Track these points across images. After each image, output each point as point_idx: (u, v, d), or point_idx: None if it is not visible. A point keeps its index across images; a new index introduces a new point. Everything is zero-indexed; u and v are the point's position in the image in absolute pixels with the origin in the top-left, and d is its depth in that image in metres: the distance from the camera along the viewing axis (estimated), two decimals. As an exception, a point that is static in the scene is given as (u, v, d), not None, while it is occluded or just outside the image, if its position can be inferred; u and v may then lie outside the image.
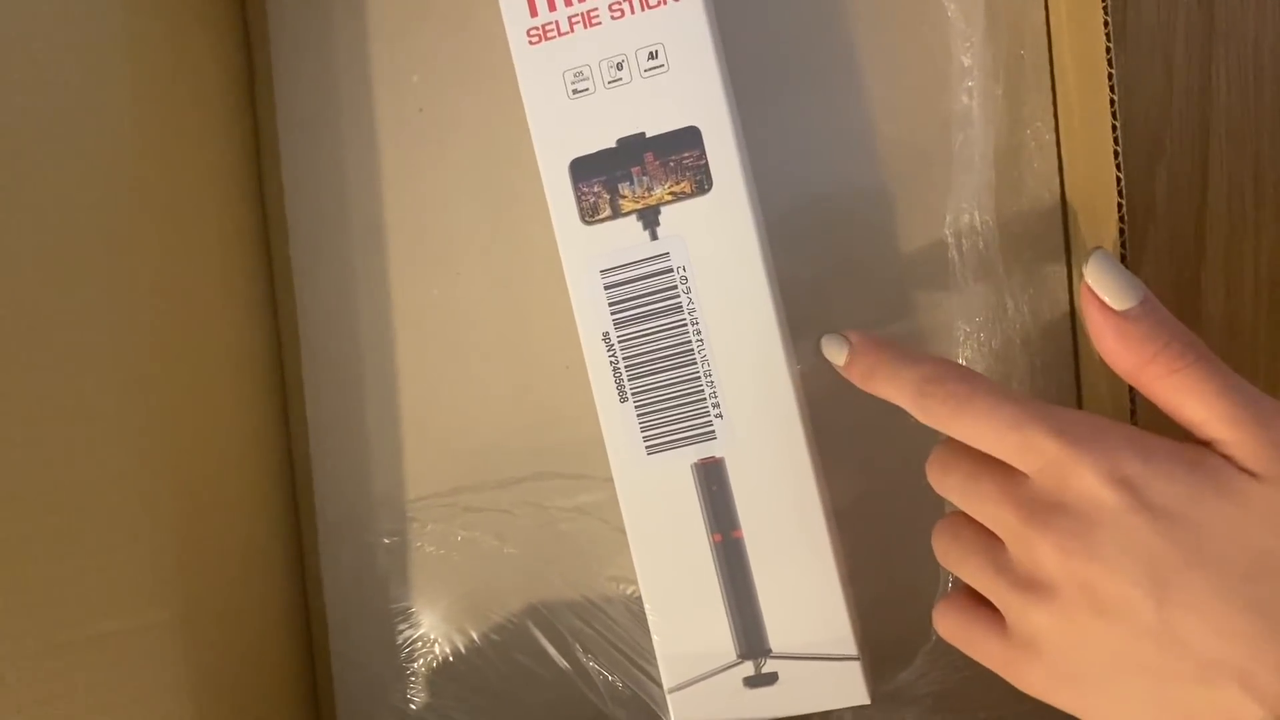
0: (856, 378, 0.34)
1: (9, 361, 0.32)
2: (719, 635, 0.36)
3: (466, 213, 0.42)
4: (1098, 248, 0.31)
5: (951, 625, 0.32)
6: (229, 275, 0.43)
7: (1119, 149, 0.35)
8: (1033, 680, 0.30)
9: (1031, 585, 0.29)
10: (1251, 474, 0.27)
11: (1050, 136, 0.38)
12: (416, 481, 0.43)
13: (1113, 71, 0.34)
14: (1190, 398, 0.28)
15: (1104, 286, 0.30)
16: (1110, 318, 0.30)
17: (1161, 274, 0.40)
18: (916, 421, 0.38)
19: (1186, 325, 0.29)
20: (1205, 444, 0.28)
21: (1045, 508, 0.29)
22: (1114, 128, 0.34)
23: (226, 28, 0.44)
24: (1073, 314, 0.38)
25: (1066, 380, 0.38)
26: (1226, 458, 0.28)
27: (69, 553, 0.34)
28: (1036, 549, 0.29)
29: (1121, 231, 0.34)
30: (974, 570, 0.31)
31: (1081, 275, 0.30)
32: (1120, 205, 0.35)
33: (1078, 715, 0.29)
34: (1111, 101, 0.35)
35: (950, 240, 0.38)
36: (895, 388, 0.32)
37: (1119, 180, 0.35)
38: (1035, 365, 0.38)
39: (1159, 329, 0.29)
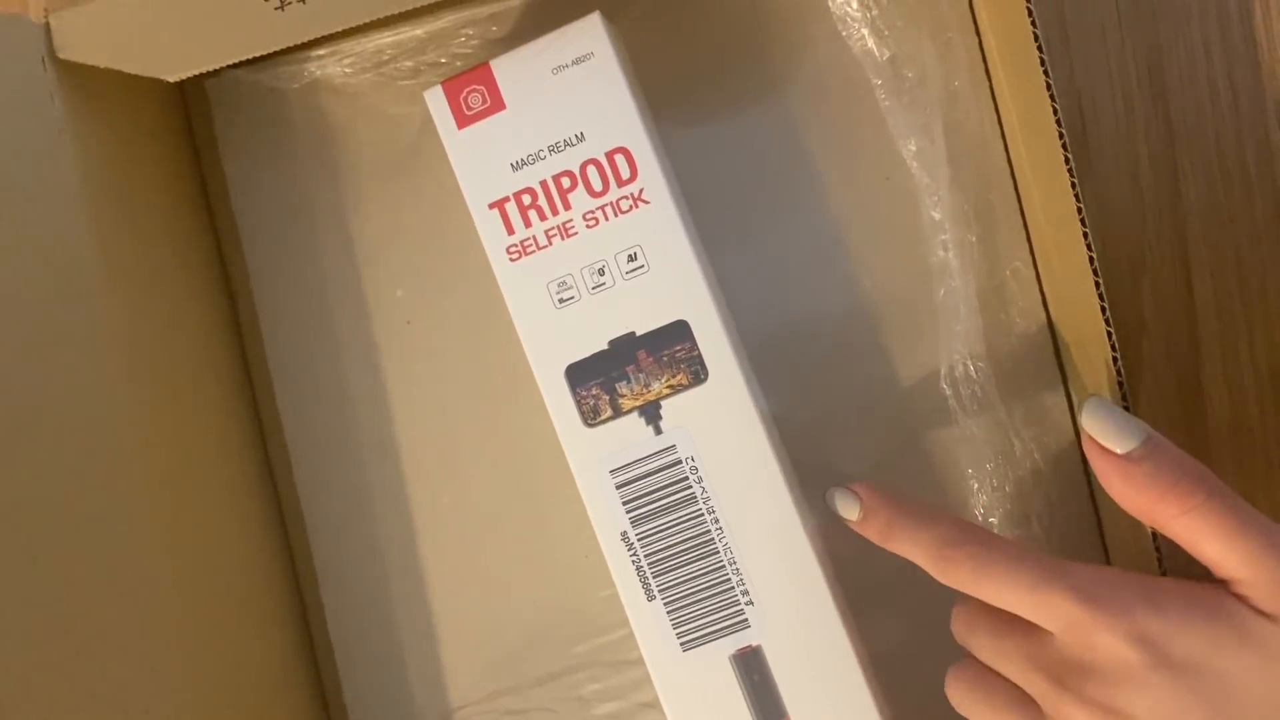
0: (873, 535, 0.34)
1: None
2: (780, 826, 0.35)
3: (467, 417, 0.42)
4: (1092, 395, 0.31)
5: None
6: (239, 507, 0.43)
7: (1097, 271, 0.35)
8: None
9: None
10: (1269, 616, 0.27)
11: (1029, 272, 0.38)
12: (455, 692, 0.42)
13: (1078, 192, 0.34)
14: (1204, 537, 0.28)
15: (1103, 432, 0.30)
16: (1115, 462, 0.30)
17: (1162, 384, 0.40)
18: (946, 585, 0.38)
19: (1194, 431, 0.29)
20: (1223, 582, 0.28)
21: (1073, 671, 0.29)
22: (1089, 252, 0.35)
23: (206, 275, 0.44)
24: (1079, 443, 0.38)
25: (1084, 511, 0.38)
26: (1243, 598, 0.28)
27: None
28: (1074, 713, 0.29)
29: (1113, 349, 0.35)
30: None
31: (1080, 415, 0.31)
32: (1107, 323, 0.35)
33: None
34: (1082, 223, 0.35)
35: (947, 390, 0.38)
36: (913, 547, 0.33)
37: (1102, 302, 0.35)
38: (1051, 500, 0.38)
39: (1165, 468, 0.29)
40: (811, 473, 0.37)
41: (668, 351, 0.36)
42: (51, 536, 0.33)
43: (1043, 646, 0.30)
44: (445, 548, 0.42)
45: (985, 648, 0.32)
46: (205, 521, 0.40)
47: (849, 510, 0.34)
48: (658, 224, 0.36)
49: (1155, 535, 0.35)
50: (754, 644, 0.35)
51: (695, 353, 0.36)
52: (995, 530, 0.38)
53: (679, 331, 0.36)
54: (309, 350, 0.43)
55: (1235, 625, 0.27)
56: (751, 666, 0.36)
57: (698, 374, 0.36)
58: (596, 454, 0.36)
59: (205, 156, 0.44)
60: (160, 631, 0.37)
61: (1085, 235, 0.35)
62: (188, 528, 0.39)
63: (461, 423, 0.42)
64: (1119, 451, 0.30)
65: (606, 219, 0.36)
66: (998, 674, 0.32)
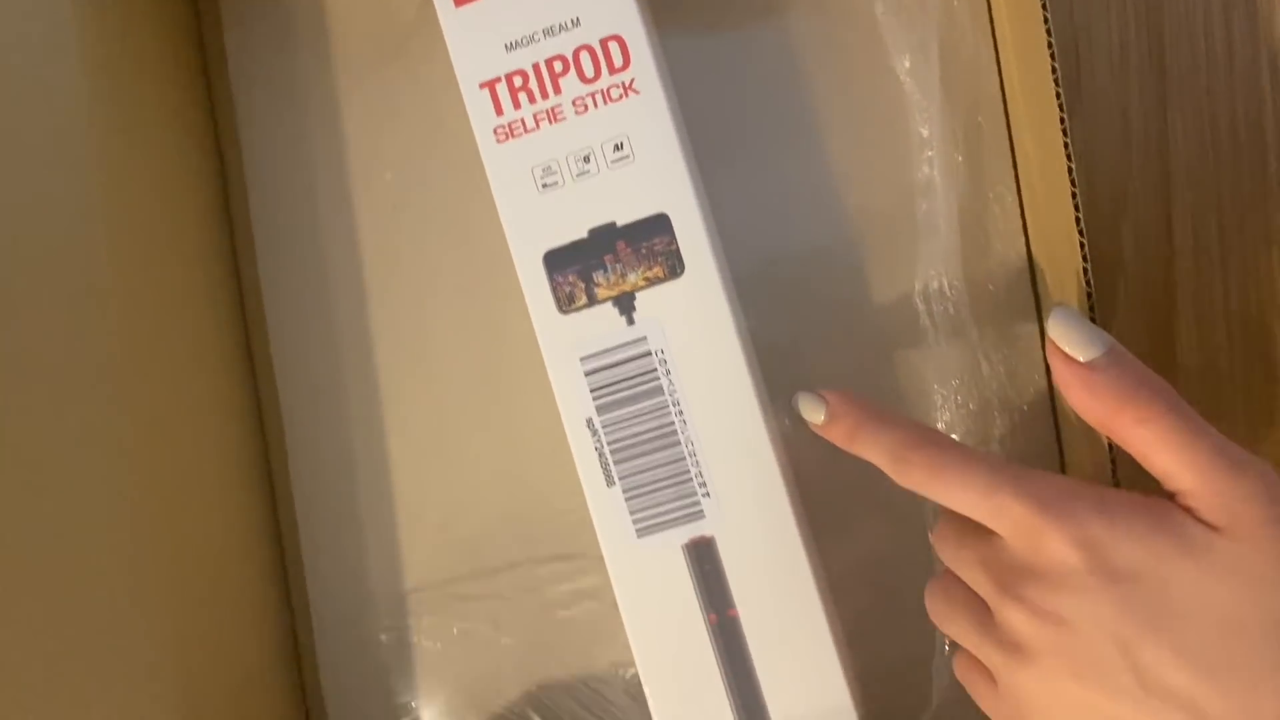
0: (838, 438, 0.34)
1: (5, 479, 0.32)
2: (719, 713, 0.36)
3: (447, 306, 0.42)
4: (1059, 303, 0.32)
5: (961, 671, 0.33)
6: (213, 381, 0.43)
7: (1078, 206, 0.35)
8: None
9: (1012, 648, 0.30)
10: (1214, 528, 0.28)
11: (1013, 198, 0.39)
12: (410, 573, 0.43)
13: (1065, 126, 0.35)
14: (1158, 448, 0.29)
15: (1067, 339, 0.30)
16: (1077, 370, 0.30)
17: (1135, 325, 0.41)
18: (903, 490, 0.38)
19: (1163, 374, 0.30)
20: (1172, 495, 0.29)
21: (1018, 573, 0.29)
22: (1072, 185, 0.35)
23: (198, 134, 0.44)
24: (1048, 370, 0.38)
25: (1046, 437, 0.38)
26: (1190, 509, 0.28)
27: (61, 655, 0.34)
28: (1012, 614, 0.29)
29: (1088, 284, 0.35)
30: (961, 631, 0.32)
31: (1047, 322, 0.31)
32: (1084, 258, 0.35)
33: None
34: (1068, 156, 0.35)
35: (921, 306, 0.38)
36: (874, 449, 0.33)
37: (1081, 236, 0.35)
38: (1014, 423, 0.38)
39: (1126, 378, 0.29)
40: (780, 384, 0.37)
41: (646, 244, 0.36)
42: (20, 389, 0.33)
43: (994, 550, 0.30)
44: (414, 432, 0.43)
45: (949, 555, 0.32)
46: (177, 387, 0.41)
47: (815, 413, 0.35)
48: (646, 114, 0.36)
49: (1115, 467, 0.36)
50: (707, 535, 0.36)
51: (674, 247, 0.36)
52: (956, 451, 0.38)
53: (659, 224, 0.36)
54: (296, 230, 0.44)
55: (1179, 535, 0.28)
56: (703, 557, 0.36)
57: (674, 268, 0.36)
58: (568, 341, 0.37)
59: (206, 20, 0.44)
60: (123, 491, 0.37)
61: (1070, 169, 0.36)
62: (160, 390, 0.40)
63: (441, 312, 0.43)
64: (1082, 359, 0.30)
65: (595, 106, 0.36)
66: (962, 581, 0.32)
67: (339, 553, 0.44)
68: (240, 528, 0.43)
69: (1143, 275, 0.41)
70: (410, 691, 0.43)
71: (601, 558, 0.37)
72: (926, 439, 0.32)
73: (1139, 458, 0.29)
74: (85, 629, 0.35)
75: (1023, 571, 0.29)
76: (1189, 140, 0.41)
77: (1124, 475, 0.35)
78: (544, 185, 0.36)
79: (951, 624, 0.32)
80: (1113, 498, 0.29)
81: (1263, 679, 0.26)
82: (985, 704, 0.32)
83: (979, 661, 0.32)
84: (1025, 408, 0.38)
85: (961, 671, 0.33)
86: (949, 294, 0.38)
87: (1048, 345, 0.31)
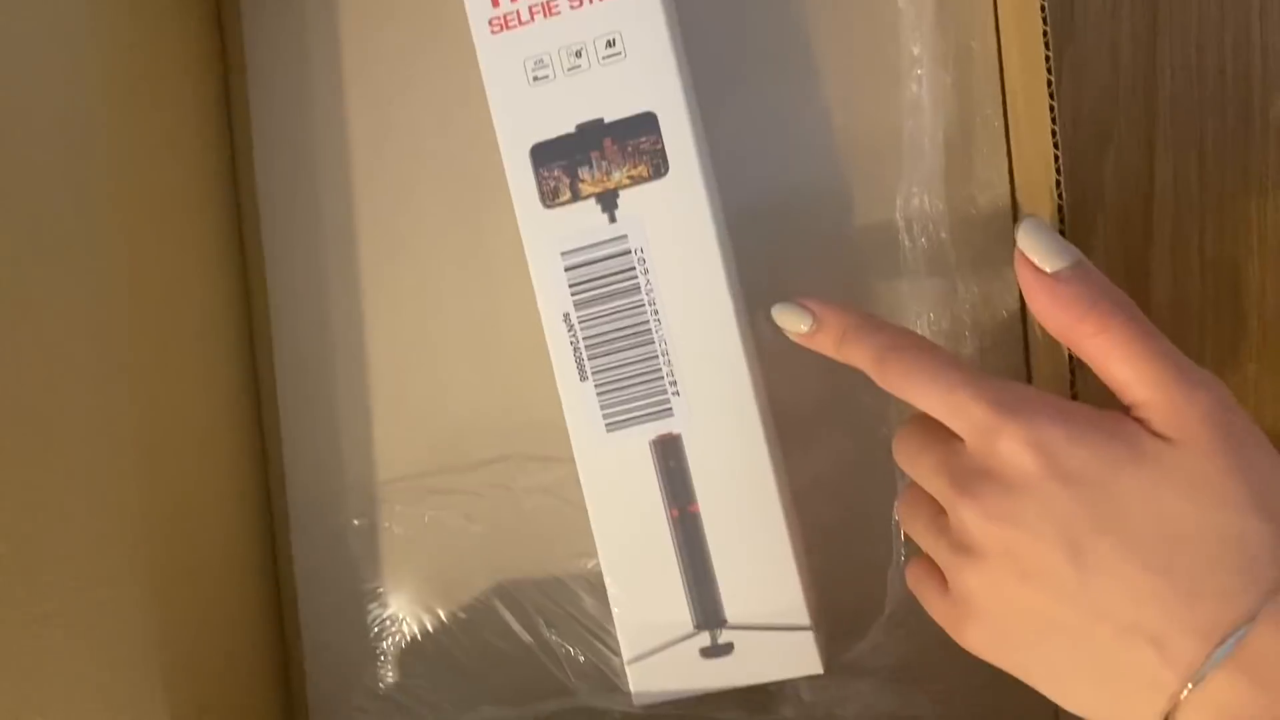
0: (825, 345, 0.35)
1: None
2: (676, 607, 0.37)
3: (436, 201, 0.43)
4: (1029, 215, 0.32)
5: (913, 579, 0.34)
6: (202, 263, 0.44)
7: (1057, 136, 0.36)
8: (970, 638, 0.31)
9: (963, 549, 0.30)
10: (1167, 439, 0.28)
11: (999, 124, 0.39)
12: (386, 464, 0.44)
13: (1049, 55, 0.35)
14: (1117, 358, 0.29)
15: (1034, 249, 0.31)
16: (1042, 279, 0.30)
17: (1111, 259, 0.41)
18: (871, 403, 0.39)
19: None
20: (1127, 408, 0.29)
21: (973, 474, 0.30)
22: (1052, 116, 0.36)
23: (200, 25, 0.45)
24: (1021, 296, 0.39)
25: (1015, 362, 0.39)
26: (1144, 421, 0.29)
27: (44, 530, 0.35)
28: (964, 515, 0.30)
29: (1061, 215, 0.36)
30: (919, 534, 0.33)
31: (1016, 232, 0.31)
32: (1059, 187, 0.36)
33: (1015, 674, 0.30)
34: (1049, 85, 0.36)
35: (901, 224, 0.39)
36: (860, 353, 0.33)
37: (1057, 164, 0.36)
38: (984, 346, 0.39)
39: (1089, 289, 0.30)
40: (756, 293, 0.38)
41: (633, 142, 0.36)
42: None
43: (952, 453, 0.31)
44: (397, 326, 0.43)
45: (909, 462, 0.33)
46: (167, 277, 0.41)
47: (799, 323, 0.35)
48: (641, 12, 0.36)
49: (1074, 394, 0.36)
50: (675, 432, 0.37)
51: (659, 146, 0.36)
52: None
53: (646, 123, 0.36)
54: (290, 124, 0.44)
55: (1133, 444, 0.28)
56: (669, 453, 0.37)
57: (659, 168, 0.36)
58: (550, 235, 0.37)
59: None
60: (109, 371, 0.38)
61: (1051, 99, 0.36)
62: (150, 279, 0.40)
63: (430, 208, 0.43)
64: (1048, 270, 0.30)
65: (590, 1, 0.36)
66: (922, 488, 0.33)
67: (317, 441, 0.44)
68: (222, 414, 0.44)
69: (1121, 210, 0.41)
70: (379, 578, 0.44)
71: (572, 459, 0.38)
72: (910, 342, 0.32)
73: (1097, 368, 0.30)
74: (59, 509, 0.35)
75: (977, 472, 0.30)
76: (1176, 78, 0.41)
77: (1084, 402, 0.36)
78: (535, 78, 0.37)
79: (912, 528, 0.33)
80: (1070, 406, 0.30)
81: (1204, 587, 0.27)
82: (934, 608, 0.33)
83: (931, 567, 0.33)
84: (996, 330, 0.39)
85: (913, 579, 0.34)
86: (930, 213, 0.38)
87: (1016, 255, 0.31)
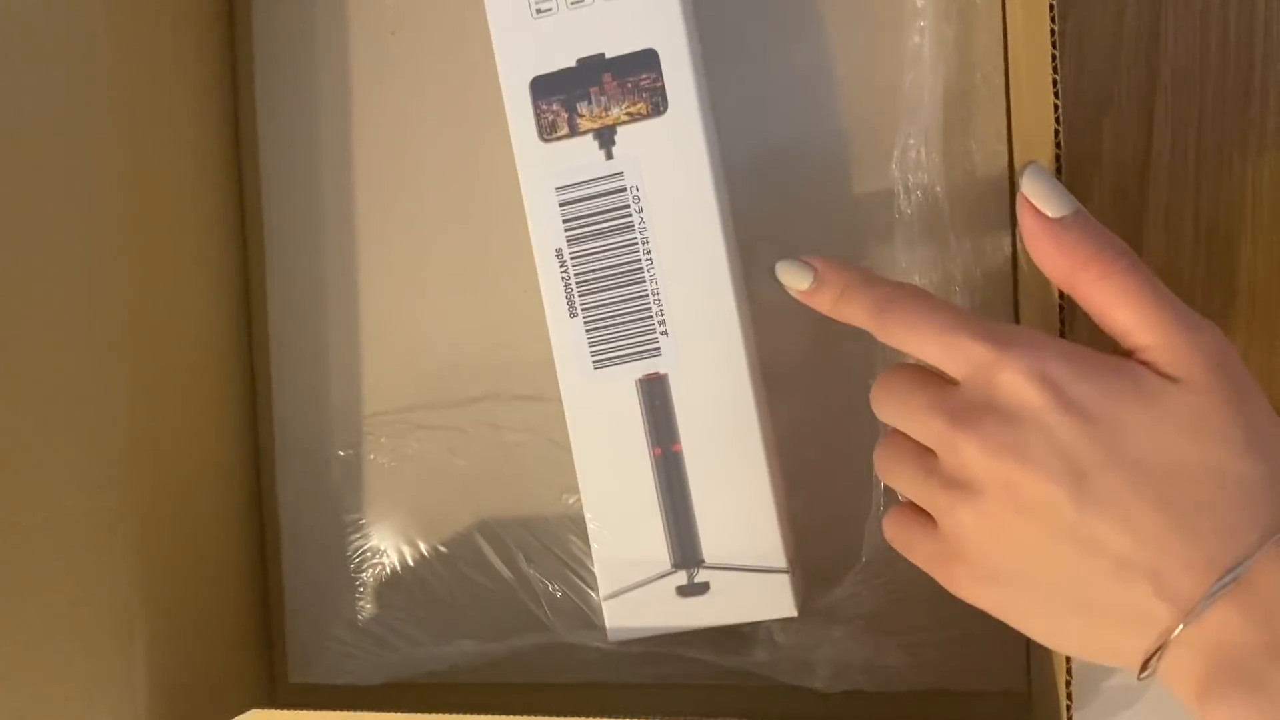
0: (824, 303, 0.34)
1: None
2: (655, 545, 0.37)
3: (435, 135, 0.43)
4: (1032, 161, 0.32)
5: (893, 528, 0.33)
6: (198, 188, 0.44)
7: (1059, 96, 0.36)
8: (958, 578, 0.31)
9: (957, 485, 0.30)
10: (1172, 379, 0.28)
11: (1000, 80, 0.39)
12: (373, 397, 0.44)
13: (1055, 14, 0.35)
14: (1120, 303, 0.29)
15: (1038, 194, 0.30)
16: (1046, 224, 0.30)
17: (1104, 222, 0.41)
18: (856, 352, 0.39)
19: None
20: (1130, 353, 0.29)
21: (972, 409, 0.29)
22: (1054, 76, 0.35)
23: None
24: (1014, 255, 0.39)
25: (1005, 319, 0.39)
26: (1149, 364, 0.29)
27: (30, 439, 0.35)
28: (963, 449, 0.29)
29: (1058, 174, 0.35)
30: (907, 478, 0.32)
31: (1020, 177, 0.31)
32: (1058, 146, 0.36)
33: (999, 614, 0.30)
34: (1053, 45, 0.36)
35: (896, 175, 0.39)
36: (858, 309, 0.33)
37: (1057, 125, 0.36)
38: (975, 303, 0.39)
39: (1093, 235, 0.30)
40: (748, 241, 0.38)
41: (633, 78, 0.36)
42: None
43: (946, 394, 0.30)
44: (391, 259, 0.44)
45: (893, 409, 0.32)
46: (164, 197, 0.41)
47: (801, 280, 0.34)
48: (645, -52, 0.36)
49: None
50: (662, 372, 0.37)
51: (659, 84, 0.36)
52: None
53: (647, 60, 0.36)
54: (293, 50, 0.44)
55: (1137, 382, 0.28)
56: (655, 393, 0.37)
57: (658, 105, 0.36)
58: (546, 169, 0.37)
59: None
60: (105, 275, 0.38)
61: (1054, 58, 0.36)
62: (146, 206, 0.40)
63: (429, 141, 0.43)
64: (1051, 215, 0.30)
65: (597, -65, 0.36)
66: (906, 435, 0.32)
67: (306, 371, 0.45)
68: (213, 339, 0.44)
69: (1118, 174, 0.41)
70: (361, 510, 0.44)
71: (560, 399, 0.38)
72: (908, 292, 0.32)
73: (1098, 314, 0.30)
74: (46, 424, 0.35)
75: (977, 405, 0.29)
76: (1180, 44, 0.41)
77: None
78: (538, 11, 0.37)
79: (897, 474, 0.32)
80: (1073, 345, 0.30)
81: (1203, 524, 0.27)
82: (919, 551, 0.32)
83: (915, 512, 0.32)
84: (987, 287, 0.39)
85: (893, 528, 0.33)
86: (925, 167, 0.38)
87: (1018, 200, 0.31)
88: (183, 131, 0.43)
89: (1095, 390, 0.28)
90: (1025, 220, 0.31)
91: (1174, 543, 0.27)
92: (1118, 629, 0.28)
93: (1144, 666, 0.28)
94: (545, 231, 0.37)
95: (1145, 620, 0.27)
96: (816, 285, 0.34)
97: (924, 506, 0.32)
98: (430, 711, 0.40)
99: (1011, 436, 0.29)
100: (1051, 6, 0.36)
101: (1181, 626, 0.27)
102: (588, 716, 0.36)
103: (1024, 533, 0.29)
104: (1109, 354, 0.29)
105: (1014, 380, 0.29)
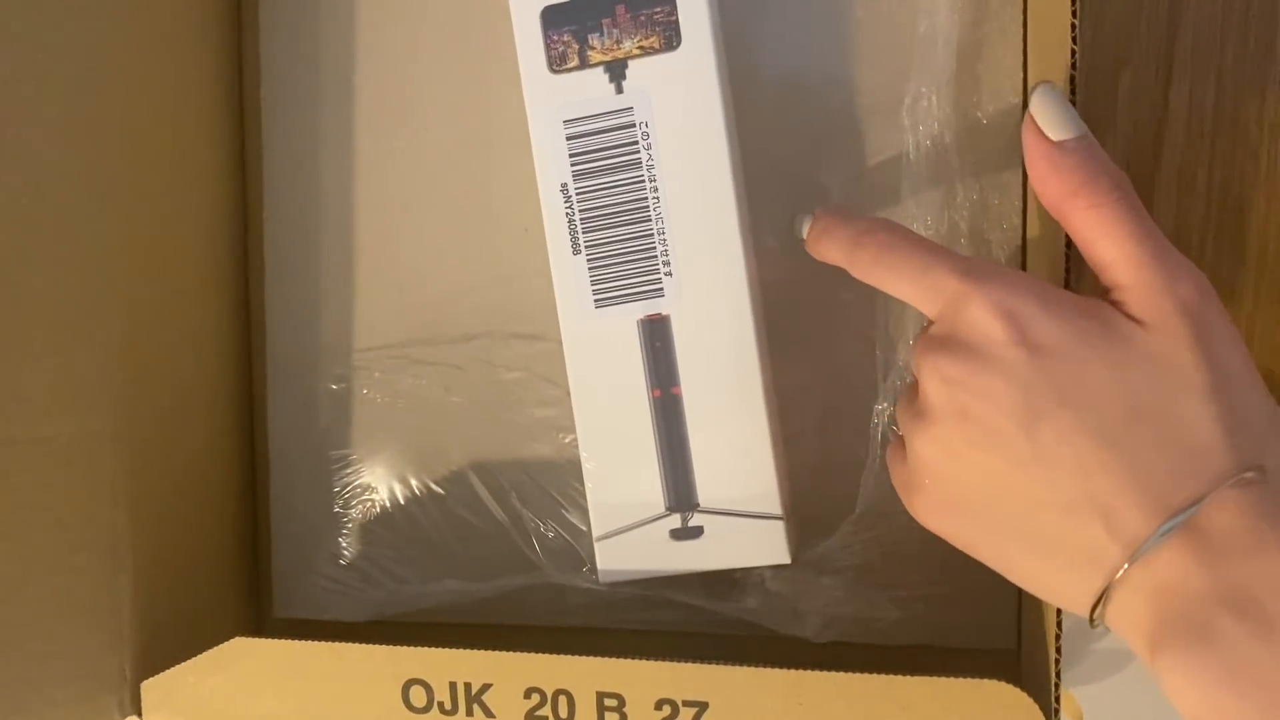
0: (811, 246, 0.35)
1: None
2: (650, 487, 0.37)
3: (439, 67, 0.42)
4: (1045, 80, 0.31)
5: (887, 455, 0.34)
6: (198, 114, 0.43)
7: (1076, 54, 0.35)
8: (918, 506, 0.31)
9: (921, 414, 0.30)
10: (1139, 322, 0.28)
11: (1017, 31, 0.38)
12: (368, 331, 0.43)
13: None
14: (1103, 235, 0.29)
15: (1044, 115, 0.30)
16: (1046, 146, 0.30)
17: (1115, 182, 0.41)
18: (855, 303, 0.39)
19: None
20: (1106, 290, 0.29)
21: (936, 340, 0.30)
22: (1073, 31, 0.35)
23: None
24: (1024, 208, 0.39)
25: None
26: (1120, 304, 0.28)
27: (18, 357, 0.34)
28: (925, 379, 0.30)
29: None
30: (899, 409, 0.32)
31: (1030, 96, 0.31)
32: (1073, 102, 0.35)
33: (956, 543, 0.31)
34: (1073, 3, 0.35)
35: (907, 123, 0.38)
36: (835, 246, 0.33)
37: (1073, 85, 0.35)
38: (980, 253, 0.39)
39: (1090, 162, 0.29)
40: (754, 182, 0.38)
41: (646, 11, 0.36)
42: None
43: (925, 333, 0.31)
44: (390, 191, 0.43)
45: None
46: (163, 119, 0.41)
47: (802, 231, 0.35)
48: (664, -124, 0.35)
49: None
50: (664, 313, 0.36)
51: (673, 18, 0.36)
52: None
53: (661, -7, 0.36)
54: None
55: (1104, 322, 0.28)
56: (656, 334, 0.36)
57: (671, 40, 0.36)
58: (554, 101, 0.36)
59: None
60: (104, 196, 0.37)
61: (1074, 13, 0.35)
62: (145, 129, 0.39)
63: (433, 72, 0.42)
64: (1053, 138, 0.30)
65: None
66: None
67: (301, 301, 0.44)
68: (207, 260, 0.43)
69: (1132, 134, 0.41)
70: (351, 444, 0.43)
71: (559, 340, 0.37)
72: (882, 226, 0.32)
73: (1082, 244, 0.30)
74: (34, 341, 0.35)
75: (941, 338, 0.30)
76: (1201, 5, 0.40)
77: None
78: (551, -62, 0.36)
79: (898, 410, 0.33)
80: (1047, 285, 0.29)
81: (1157, 466, 0.27)
82: (895, 477, 0.33)
83: (899, 442, 0.33)
84: (994, 239, 0.38)
85: (888, 455, 0.34)
86: (936, 115, 0.38)
87: (1024, 118, 0.31)
88: (183, 52, 0.42)
89: (1060, 328, 0.28)
90: (1028, 141, 0.31)
91: (1127, 483, 0.27)
92: (1069, 566, 0.28)
93: (1094, 610, 0.27)
94: (551, 165, 0.37)
95: (1095, 560, 0.27)
96: (811, 232, 0.34)
97: (903, 434, 0.32)
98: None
99: (967, 368, 0.29)
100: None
101: (1127, 565, 0.26)
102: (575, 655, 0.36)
103: (976, 464, 0.29)
104: (1082, 296, 0.29)
105: (979, 314, 0.29)
